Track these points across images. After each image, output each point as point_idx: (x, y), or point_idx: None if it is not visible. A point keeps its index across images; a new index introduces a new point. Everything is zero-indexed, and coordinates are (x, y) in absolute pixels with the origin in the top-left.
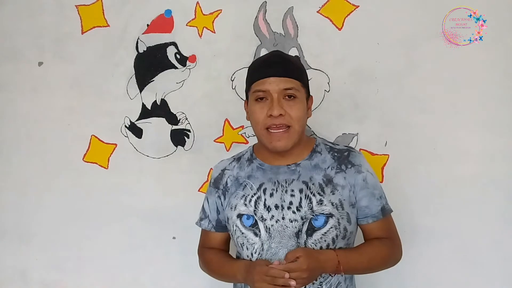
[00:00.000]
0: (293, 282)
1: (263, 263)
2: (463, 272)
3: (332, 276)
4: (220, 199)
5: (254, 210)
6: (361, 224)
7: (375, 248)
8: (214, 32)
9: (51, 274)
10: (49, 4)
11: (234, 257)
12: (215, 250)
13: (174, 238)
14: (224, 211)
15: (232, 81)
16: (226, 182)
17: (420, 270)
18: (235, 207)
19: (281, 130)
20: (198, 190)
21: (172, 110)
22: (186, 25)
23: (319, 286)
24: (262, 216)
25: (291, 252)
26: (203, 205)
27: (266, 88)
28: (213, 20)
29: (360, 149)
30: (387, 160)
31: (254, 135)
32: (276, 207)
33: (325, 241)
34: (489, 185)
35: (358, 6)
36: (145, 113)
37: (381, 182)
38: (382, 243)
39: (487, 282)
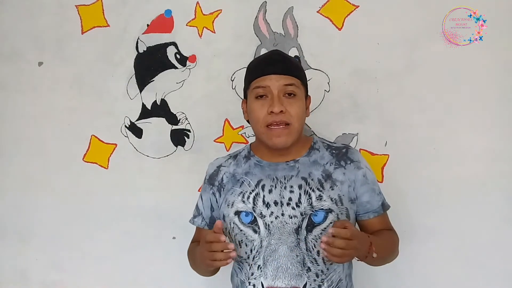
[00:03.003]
0: (231, 245)
1: (209, 232)
2: (462, 271)
3: (359, 260)
4: (215, 196)
5: (253, 207)
6: (361, 219)
7: (388, 236)
8: (214, 32)
9: (51, 274)
10: (49, 4)
11: None
12: (195, 242)
13: (174, 238)
14: (220, 209)
15: (232, 81)
16: (222, 178)
17: (419, 269)
18: (233, 204)
19: (281, 127)
20: (198, 190)
21: (172, 110)
22: (186, 25)
23: (321, 284)
24: (261, 212)
25: (339, 221)
26: (197, 203)
27: (267, 84)
28: (213, 20)
29: (360, 149)
30: (387, 160)
31: (254, 135)
32: (275, 203)
33: None
34: (489, 185)
35: (358, 6)
36: (145, 113)
37: (381, 182)
38: (391, 233)
39: (486, 282)
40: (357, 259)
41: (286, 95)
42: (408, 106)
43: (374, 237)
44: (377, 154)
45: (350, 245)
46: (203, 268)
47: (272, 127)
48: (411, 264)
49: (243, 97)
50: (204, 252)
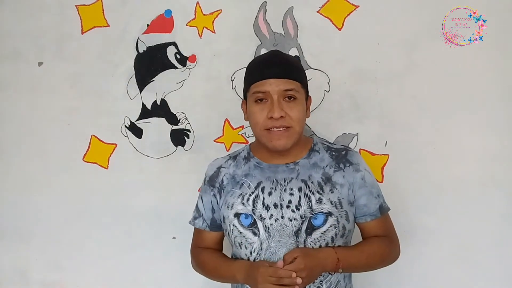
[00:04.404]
0: (299, 280)
1: (265, 264)
2: (462, 272)
3: (332, 275)
4: (216, 197)
5: (253, 209)
6: (359, 222)
7: (374, 246)
8: (214, 32)
9: (51, 274)
10: (49, 4)
11: (229, 256)
12: (210, 250)
13: (174, 238)
14: (220, 210)
15: (232, 81)
16: (222, 180)
17: (419, 269)
18: (232, 206)
19: (281, 129)
20: (198, 190)
21: (172, 110)
22: (186, 25)
23: (319, 285)
24: (261, 215)
25: (288, 254)
26: (197, 204)
27: (266, 89)
28: (213, 20)
29: (360, 149)
30: (387, 160)
31: (254, 135)
32: (275, 206)
33: (324, 239)
34: (489, 185)
35: (358, 6)
36: (145, 113)
37: (381, 182)
38: (380, 241)
39: (486, 282)
40: (330, 273)
41: (286, 98)
42: (408, 106)
43: (347, 251)
44: (377, 154)
45: (303, 273)
46: (225, 282)
47: (272, 130)
48: (410, 264)
49: (243, 97)
50: (268, 285)
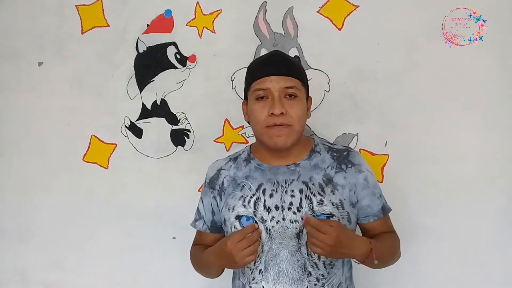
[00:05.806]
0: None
1: (229, 235)
2: (462, 272)
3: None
4: (216, 199)
5: (254, 211)
6: (362, 223)
7: (389, 240)
8: (214, 32)
9: (51, 274)
10: (49, 4)
11: None
12: (199, 245)
13: (174, 238)
14: (221, 212)
15: (232, 81)
16: (223, 182)
17: (419, 269)
18: (233, 208)
19: (281, 126)
20: (198, 190)
21: (172, 110)
22: (186, 25)
23: (321, 287)
24: (262, 217)
25: (325, 220)
26: (197, 206)
27: (267, 87)
28: (213, 20)
29: (360, 149)
30: (387, 160)
31: (254, 135)
32: (276, 208)
33: None
34: (489, 185)
35: (358, 6)
36: (145, 113)
37: (381, 182)
38: (391, 236)
39: (486, 282)
40: (355, 261)
41: (287, 96)
42: (408, 106)
43: (376, 243)
44: (377, 154)
45: (332, 240)
46: (211, 272)
47: (273, 127)
48: (411, 264)
49: (243, 98)
50: (244, 253)
